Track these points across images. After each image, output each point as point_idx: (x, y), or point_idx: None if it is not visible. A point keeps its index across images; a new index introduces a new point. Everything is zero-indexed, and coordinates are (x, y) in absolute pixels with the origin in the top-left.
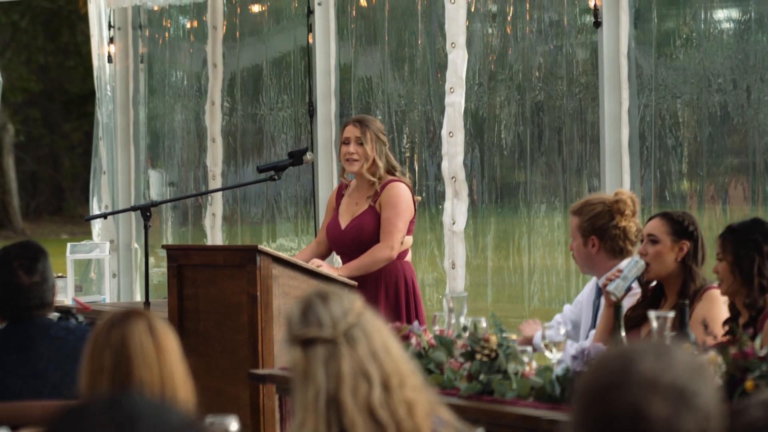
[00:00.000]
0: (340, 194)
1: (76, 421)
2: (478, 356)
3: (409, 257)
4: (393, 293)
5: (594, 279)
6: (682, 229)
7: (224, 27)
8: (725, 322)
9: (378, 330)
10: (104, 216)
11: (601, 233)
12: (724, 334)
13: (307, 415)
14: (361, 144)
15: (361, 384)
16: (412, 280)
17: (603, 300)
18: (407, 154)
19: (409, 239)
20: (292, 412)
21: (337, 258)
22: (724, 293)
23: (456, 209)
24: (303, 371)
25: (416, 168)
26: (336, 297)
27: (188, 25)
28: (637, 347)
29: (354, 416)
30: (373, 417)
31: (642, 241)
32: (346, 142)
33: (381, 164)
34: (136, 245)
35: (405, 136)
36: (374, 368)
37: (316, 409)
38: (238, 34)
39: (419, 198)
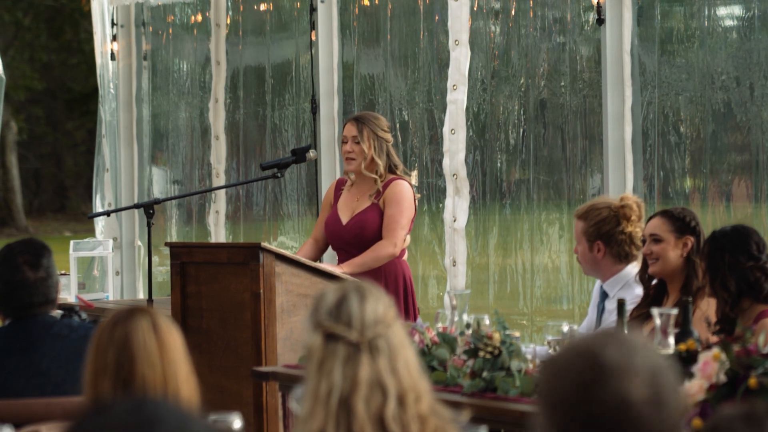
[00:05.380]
0: (338, 189)
1: (97, 420)
2: (482, 353)
3: (405, 256)
4: (393, 291)
5: (598, 282)
6: (684, 225)
7: (227, 24)
8: (717, 323)
9: (402, 345)
10: (107, 213)
11: (607, 238)
12: (715, 333)
13: (317, 407)
14: (358, 143)
15: (376, 394)
16: (410, 279)
17: (607, 303)
18: (409, 152)
19: (408, 238)
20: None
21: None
22: (708, 296)
23: (457, 207)
24: (320, 361)
25: (417, 165)
26: (373, 299)
27: (191, 22)
28: (591, 342)
29: (364, 424)
30: (384, 428)
31: (644, 242)
32: (344, 140)
33: (380, 162)
34: (139, 243)
35: (407, 133)
36: (392, 382)
37: (327, 404)
38: (241, 31)
39: (419, 195)
